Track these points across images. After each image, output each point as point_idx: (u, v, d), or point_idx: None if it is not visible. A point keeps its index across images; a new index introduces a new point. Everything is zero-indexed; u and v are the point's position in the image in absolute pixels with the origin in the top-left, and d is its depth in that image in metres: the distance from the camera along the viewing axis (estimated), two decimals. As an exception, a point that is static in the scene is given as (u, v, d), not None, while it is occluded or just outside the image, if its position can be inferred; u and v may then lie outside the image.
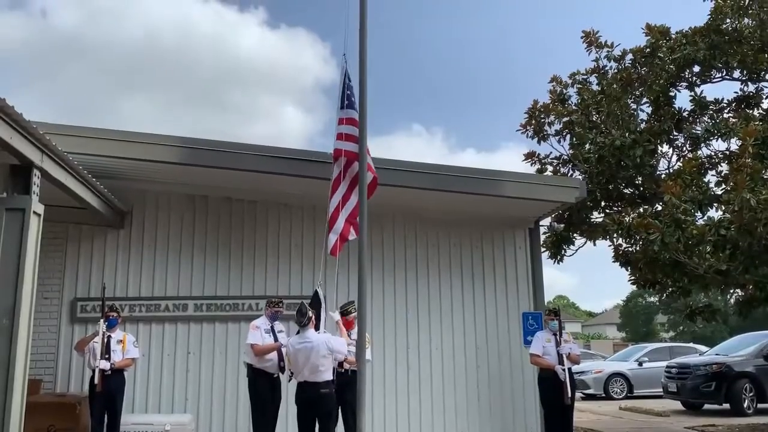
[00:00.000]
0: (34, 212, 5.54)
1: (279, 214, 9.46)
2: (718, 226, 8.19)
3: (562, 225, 11.30)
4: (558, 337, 8.23)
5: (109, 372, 7.54)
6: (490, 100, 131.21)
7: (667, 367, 16.10)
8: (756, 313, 10.34)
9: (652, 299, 55.03)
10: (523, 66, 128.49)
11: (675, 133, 10.82)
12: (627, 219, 9.52)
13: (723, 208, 8.61)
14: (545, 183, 9.49)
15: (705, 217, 8.97)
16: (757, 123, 9.42)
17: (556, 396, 8.04)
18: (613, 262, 10.70)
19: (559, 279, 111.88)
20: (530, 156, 11.70)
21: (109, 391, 7.53)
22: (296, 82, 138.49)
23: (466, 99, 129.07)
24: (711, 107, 10.98)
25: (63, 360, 8.78)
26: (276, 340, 7.64)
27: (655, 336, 55.19)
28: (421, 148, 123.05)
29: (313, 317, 6.69)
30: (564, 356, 8.08)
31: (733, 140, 9.95)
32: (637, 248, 9.64)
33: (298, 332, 6.91)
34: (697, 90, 10.95)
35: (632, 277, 10.55)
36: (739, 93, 11.14)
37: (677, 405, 15.48)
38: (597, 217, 11.35)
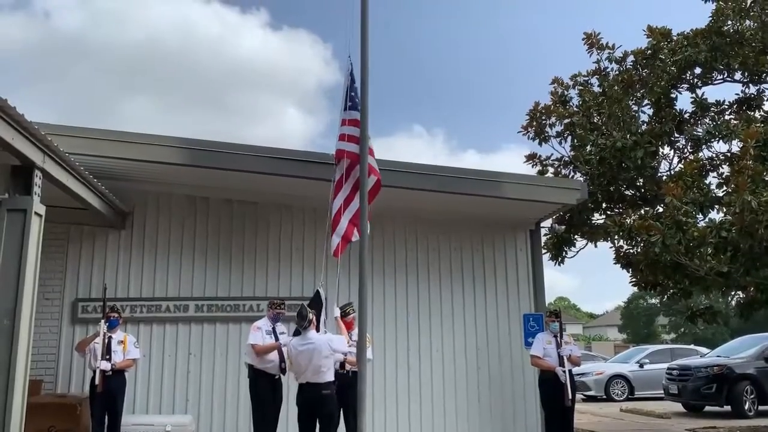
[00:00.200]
0: (36, 213, 5.55)
1: (280, 216, 9.47)
2: (720, 228, 8.19)
3: (563, 227, 11.29)
4: (559, 339, 8.22)
5: (110, 373, 7.53)
6: (491, 101, 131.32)
7: (668, 368, 16.07)
8: (757, 315, 10.32)
9: (653, 301, 54.95)
10: (524, 67, 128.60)
11: (676, 135, 10.82)
12: (628, 221, 9.53)
13: (724, 210, 8.60)
14: (546, 185, 9.50)
15: (706, 219, 8.98)
16: (758, 125, 9.41)
17: (556, 398, 8.03)
18: (614, 263, 10.70)
19: (560, 281, 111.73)
20: (531, 157, 11.70)
21: (109, 392, 7.53)
22: (297, 83, 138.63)
23: (467, 100, 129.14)
24: (712, 109, 10.98)
25: (64, 361, 8.78)
26: (277, 341, 7.64)
27: (656, 338, 55.12)
28: (422, 149, 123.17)
29: (314, 319, 6.68)
30: (565, 358, 8.07)
31: (734, 142, 9.96)
32: (638, 250, 9.64)
33: (296, 332, 6.90)
34: (699, 92, 10.96)
35: (633, 279, 10.53)
36: (741, 95, 11.14)
37: (678, 407, 15.46)
38: (598, 218, 11.35)
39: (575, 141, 10.91)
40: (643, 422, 13.35)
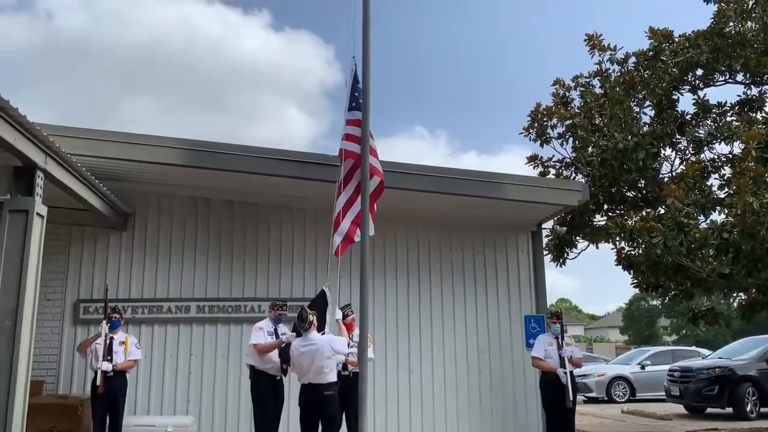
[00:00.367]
0: (38, 214, 5.56)
1: (281, 217, 9.48)
2: (721, 230, 8.19)
3: (565, 228, 11.29)
4: (560, 341, 8.22)
5: (111, 374, 7.54)
6: (493, 102, 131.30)
7: (670, 370, 16.05)
8: (759, 317, 10.32)
9: (654, 302, 54.96)
10: (526, 68, 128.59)
11: (678, 137, 10.83)
12: (630, 222, 9.52)
13: (726, 211, 8.60)
14: (548, 186, 9.49)
15: (708, 221, 8.99)
16: (760, 126, 9.41)
17: (557, 399, 8.02)
18: (616, 265, 10.70)
19: (561, 282, 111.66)
20: (533, 159, 11.70)
21: (111, 393, 7.53)
22: (299, 84, 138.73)
23: (469, 101, 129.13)
24: (714, 110, 10.99)
25: (65, 361, 8.79)
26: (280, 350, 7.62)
27: (658, 339, 55.07)
28: (423, 150, 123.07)
29: (315, 321, 6.67)
30: (566, 359, 8.06)
31: (736, 143, 9.97)
32: (640, 251, 9.64)
33: (295, 332, 6.90)
34: (700, 93, 10.97)
35: (635, 281, 10.54)
36: (743, 96, 11.16)
37: (680, 408, 15.44)
38: (599, 220, 11.36)
39: (577, 142, 10.92)
40: (644, 424, 13.32)
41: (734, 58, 10.52)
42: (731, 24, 10.60)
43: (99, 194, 7.58)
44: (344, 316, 7.51)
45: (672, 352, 21.20)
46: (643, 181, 10.61)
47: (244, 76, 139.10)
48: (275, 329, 7.75)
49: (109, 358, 7.57)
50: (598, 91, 11.42)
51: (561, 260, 11.51)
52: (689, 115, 10.96)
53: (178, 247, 9.24)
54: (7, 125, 4.95)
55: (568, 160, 11.30)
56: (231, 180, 8.56)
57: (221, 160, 8.10)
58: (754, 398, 13.98)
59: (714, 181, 10.24)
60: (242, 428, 8.70)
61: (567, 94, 11.71)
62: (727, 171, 10.22)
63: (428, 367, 9.25)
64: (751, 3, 10.55)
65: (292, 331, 7.13)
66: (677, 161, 10.93)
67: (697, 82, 11.05)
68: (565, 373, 8.00)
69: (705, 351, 20.94)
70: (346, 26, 6.51)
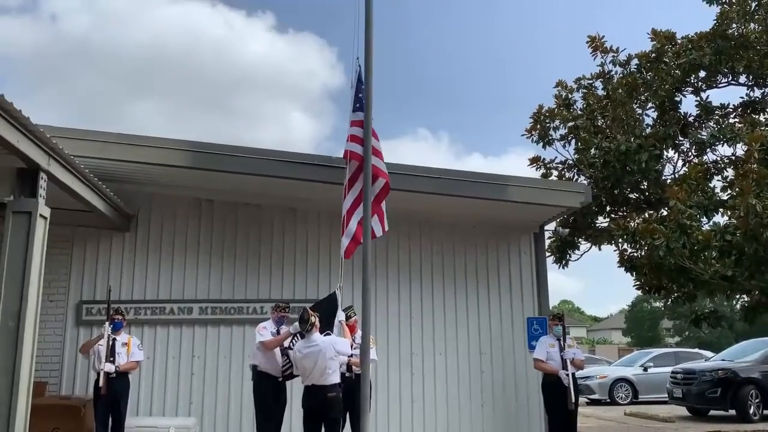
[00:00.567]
0: (41, 215, 5.57)
1: (284, 219, 9.48)
2: (724, 232, 8.18)
3: (567, 230, 11.28)
4: (562, 342, 8.22)
5: (114, 375, 7.55)
6: (496, 104, 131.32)
7: (673, 372, 16.04)
8: (762, 319, 10.29)
9: (657, 304, 54.79)
10: (528, 70, 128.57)
11: (680, 138, 10.82)
12: (632, 224, 9.50)
13: (729, 213, 8.60)
14: (550, 188, 9.48)
15: (710, 223, 8.97)
16: (763, 128, 9.41)
17: (560, 401, 8.02)
18: (619, 267, 10.67)
19: (564, 284, 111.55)
20: (535, 161, 11.70)
21: (113, 394, 7.54)
22: (303, 87, 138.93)
23: (471, 103, 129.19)
24: (717, 112, 10.98)
25: (68, 362, 8.80)
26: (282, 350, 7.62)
27: (661, 341, 54.95)
28: (426, 152, 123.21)
29: (317, 322, 6.67)
30: (568, 361, 8.07)
31: (738, 145, 9.95)
32: (642, 253, 9.63)
33: (295, 336, 6.90)
34: (703, 95, 10.98)
35: (637, 282, 10.52)
36: (745, 98, 11.14)
37: (683, 411, 15.42)
38: (602, 222, 11.35)
39: (579, 144, 10.92)
40: (647, 426, 13.31)
41: (737, 59, 10.51)
42: (734, 26, 10.60)
43: (102, 196, 7.59)
44: (347, 318, 7.51)
45: (675, 354, 21.16)
46: (645, 183, 10.60)
47: (247, 79, 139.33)
48: (278, 331, 7.75)
49: (111, 359, 7.58)
50: (600, 92, 11.42)
51: (563, 262, 11.51)
52: (692, 117, 10.96)
53: (180, 249, 9.25)
54: (11, 127, 4.96)
55: (571, 161, 11.30)
56: (234, 182, 8.57)
57: (225, 162, 8.11)
58: (757, 400, 13.96)
59: (717, 183, 10.22)
60: (244, 430, 8.70)
61: (569, 96, 11.70)
62: (729, 173, 10.21)
63: (430, 368, 9.24)
64: (753, 5, 10.54)
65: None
66: (680, 163, 10.94)
67: (700, 83, 11.04)
68: (567, 375, 8.00)
69: (708, 353, 20.92)
70: (350, 28, 6.52)
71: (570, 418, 8.07)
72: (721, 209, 9.00)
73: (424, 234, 9.65)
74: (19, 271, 5.36)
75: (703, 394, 14.42)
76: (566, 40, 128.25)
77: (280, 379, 7.60)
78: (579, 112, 11.41)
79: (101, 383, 7.48)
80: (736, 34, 10.58)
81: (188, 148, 8.12)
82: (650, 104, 11.08)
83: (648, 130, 10.76)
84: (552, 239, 11.44)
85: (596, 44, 11.32)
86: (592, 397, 19.19)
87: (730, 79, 11.09)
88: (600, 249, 11.46)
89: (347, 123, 7.13)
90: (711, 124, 10.87)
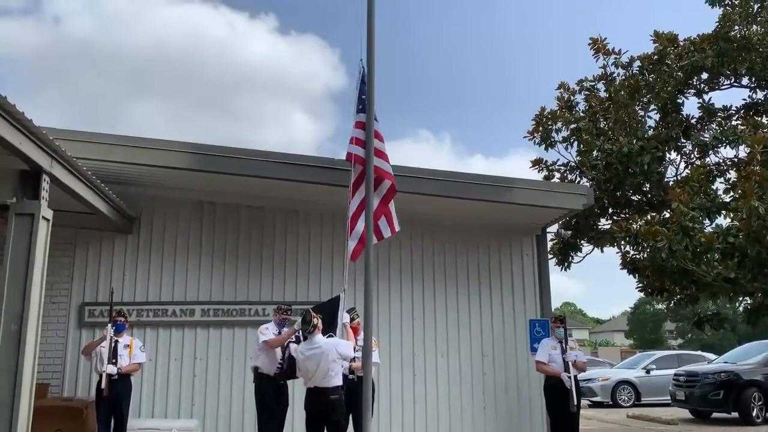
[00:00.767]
0: (43, 217, 5.58)
1: (287, 220, 9.49)
2: (726, 234, 8.17)
3: (570, 232, 11.27)
4: (564, 345, 8.21)
5: (116, 377, 7.56)
6: (496, 104, 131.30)
7: (675, 374, 16.00)
8: (765, 321, 10.27)
9: (659, 306, 54.67)
10: (529, 70, 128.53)
11: (683, 140, 10.81)
12: (634, 226, 9.50)
13: (731, 215, 8.59)
14: (552, 190, 9.46)
15: (713, 225, 8.96)
16: (765, 130, 9.41)
17: (562, 403, 8.01)
18: (621, 269, 10.68)
19: (566, 286, 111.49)
20: (537, 163, 11.70)
21: (115, 396, 7.54)
22: (305, 88, 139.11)
23: (473, 105, 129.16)
24: (719, 114, 10.97)
25: (70, 364, 8.81)
26: (283, 350, 7.61)
27: (663, 343, 54.85)
28: (428, 154, 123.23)
29: (319, 324, 6.67)
30: (570, 364, 8.06)
31: (741, 147, 9.93)
32: (645, 255, 9.62)
33: (303, 338, 6.89)
34: (705, 97, 10.97)
35: (640, 285, 10.52)
36: (748, 100, 11.13)
37: (685, 413, 15.39)
38: (604, 224, 11.34)
39: (581, 146, 10.91)
40: (649, 429, 13.29)
41: (739, 62, 10.50)
42: (736, 28, 10.59)
43: (105, 198, 7.60)
44: (350, 320, 7.51)
45: (677, 356, 21.12)
46: (648, 185, 10.59)
47: (249, 80, 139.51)
48: (279, 333, 7.75)
49: (113, 361, 7.58)
50: (602, 94, 11.41)
51: (566, 264, 11.50)
52: (694, 119, 10.95)
53: (183, 251, 9.25)
54: (13, 129, 4.97)
55: (573, 163, 11.30)
56: (236, 183, 8.58)
57: (228, 165, 8.12)
58: (760, 403, 13.91)
59: (719, 185, 10.22)
60: (246, 431, 8.70)
61: (572, 97, 11.70)
62: (732, 175, 10.19)
63: (432, 369, 9.24)
64: (756, 7, 10.54)
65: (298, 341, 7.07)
66: (682, 165, 10.93)
67: (702, 86, 11.04)
68: (569, 377, 7.99)
69: (710, 355, 20.86)
70: (352, 29, 6.54)
71: (572, 421, 8.07)
72: (723, 211, 8.99)
73: (426, 236, 9.64)
74: (22, 273, 5.37)
75: (705, 396, 14.38)
76: (566, 40, 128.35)
77: (273, 375, 7.54)
78: (581, 114, 11.41)
79: (103, 385, 7.49)
80: (738, 36, 10.57)
81: (190, 151, 8.13)
82: (652, 106, 11.08)
83: (650, 132, 10.75)
84: (554, 241, 11.44)
85: (598, 46, 11.33)
86: (594, 399, 19.15)
87: (732, 81, 11.08)
88: (602, 251, 11.46)
89: (349, 124, 7.14)
90: (713, 126, 10.87)
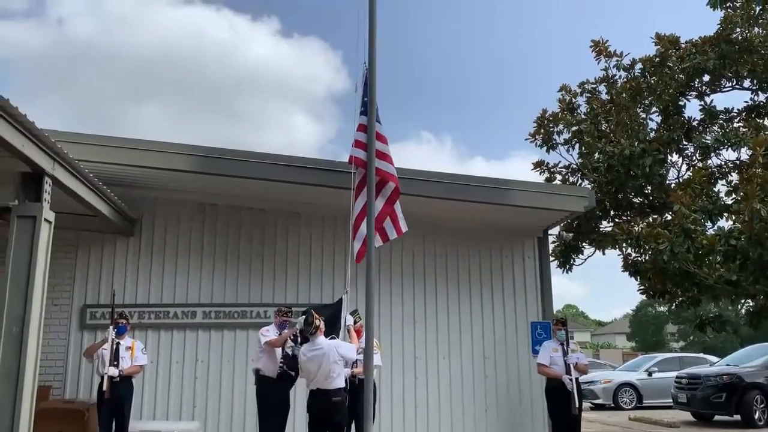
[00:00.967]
0: (45, 219, 5.58)
1: (288, 222, 9.49)
2: (728, 236, 8.16)
3: (571, 234, 11.28)
4: (565, 347, 8.20)
5: (118, 379, 7.56)
6: (496, 104, 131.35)
7: (677, 377, 15.97)
8: (767, 324, 10.26)
9: (661, 309, 54.70)
10: (529, 70, 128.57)
11: (685, 143, 10.81)
12: (636, 228, 9.50)
13: (733, 218, 8.58)
14: (554, 192, 9.47)
15: (715, 227, 8.94)
16: (767, 132, 9.39)
17: (563, 406, 8.00)
18: (623, 271, 10.66)
19: (568, 288, 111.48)
20: (539, 165, 11.70)
21: (117, 398, 7.54)
22: (307, 90, 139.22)
23: (474, 105, 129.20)
24: (721, 116, 10.96)
25: (72, 366, 8.81)
26: (283, 349, 7.62)
27: (665, 346, 54.80)
28: (430, 156, 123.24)
29: (321, 325, 6.66)
30: (571, 366, 8.05)
31: (743, 150, 9.93)
32: (647, 258, 9.61)
33: (304, 339, 6.89)
34: (707, 99, 10.96)
35: (642, 287, 10.50)
36: (750, 102, 11.12)
37: (687, 416, 15.36)
38: (606, 226, 11.34)
39: (583, 148, 10.91)
40: (651, 431, 13.26)
41: (741, 64, 10.50)
42: (738, 30, 10.59)
43: (106, 200, 7.61)
44: (353, 323, 7.50)
45: (679, 358, 21.09)
46: (649, 187, 10.59)
47: (252, 83, 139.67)
48: (280, 335, 7.76)
49: (115, 363, 7.58)
50: (604, 97, 11.42)
51: (567, 266, 11.50)
52: (696, 121, 10.95)
53: (184, 253, 9.26)
54: (16, 131, 4.97)
55: (575, 166, 11.30)
56: (238, 186, 8.58)
57: (229, 167, 8.12)
58: (762, 405, 13.88)
59: (721, 187, 10.22)
60: (248, 434, 8.70)
61: (573, 100, 11.71)
62: (734, 177, 10.19)
63: (434, 372, 9.23)
64: (757, 9, 10.53)
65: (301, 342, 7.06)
66: (684, 167, 10.92)
67: (704, 88, 11.04)
68: (571, 379, 7.98)
69: (712, 358, 20.83)
70: (353, 32, 6.53)
71: (573, 423, 8.05)
72: (725, 213, 8.97)
73: (427, 238, 9.64)
74: (24, 275, 5.37)
75: (708, 399, 14.35)
76: (567, 41, 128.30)
77: (274, 377, 7.54)
78: (583, 117, 11.42)
79: (105, 387, 7.49)
80: (740, 38, 10.57)
81: (192, 153, 8.13)
82: (654, 108, 11.08)
83: (652, 135, 10.75)
84: (556, 243, 11.44)
85: (600, 48, 11.33)
86: (596, 401, 19.13)
87: (734, 84, 11.08)
88: (604, 253, 11.44)
89: (351, 126, 7.13)
90: (715, 128, 10.86)
